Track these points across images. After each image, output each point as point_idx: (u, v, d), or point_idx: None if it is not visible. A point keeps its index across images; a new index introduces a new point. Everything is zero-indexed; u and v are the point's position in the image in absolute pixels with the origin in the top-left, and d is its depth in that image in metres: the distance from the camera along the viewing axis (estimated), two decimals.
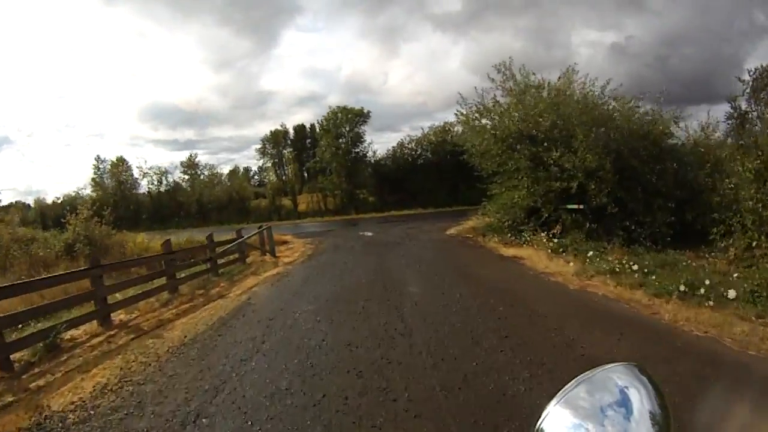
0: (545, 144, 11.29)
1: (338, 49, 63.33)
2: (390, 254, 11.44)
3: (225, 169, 48.43)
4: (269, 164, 42.42)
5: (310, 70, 62.74)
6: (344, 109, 31.85)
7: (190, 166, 36.98)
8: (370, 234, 17.14)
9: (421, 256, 10.68)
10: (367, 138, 32.33)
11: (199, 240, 16.39)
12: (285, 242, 16.73)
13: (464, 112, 13.80)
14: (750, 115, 15.52)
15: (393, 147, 32.28)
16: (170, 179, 36.25)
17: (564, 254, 9.66)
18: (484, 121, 13.45)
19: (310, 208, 36.28)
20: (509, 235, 12.19)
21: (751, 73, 19.37)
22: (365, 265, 9.82)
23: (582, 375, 0.63)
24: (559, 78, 12.54)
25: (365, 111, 31.90)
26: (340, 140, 31.91)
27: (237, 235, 12.17)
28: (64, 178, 60.84)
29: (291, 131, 42.06)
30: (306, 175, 41.18)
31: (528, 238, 11.34)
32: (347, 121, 32.21)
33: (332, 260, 11.24)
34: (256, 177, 45.39)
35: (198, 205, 35.02)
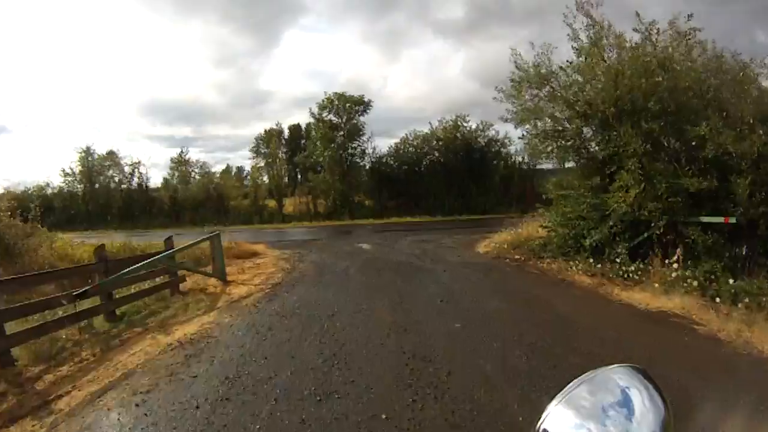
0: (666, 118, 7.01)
1: (339, 52, 60.92)
2: (411, 291, 7.04)
3: (220, 168, 45.07)
4: (262, 164, 38.33)
5: (310, 72, 61.18)
6: (341, 96, 27.43)
7: (181, 162, 32.81)
8: (369, 248, 12.69)
9: (477, 302, 6.23)
10: (367, 131, 27.85)
11: (138, 246, 11.89)
12: (254, 254, 12.28)
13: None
14: None
15: (396, 143, 27.88)
16: (144, 172, 31.52)
17: (720, 302, 5.38)
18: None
19: (298, 210, 31.85)
20: (590, 260, 7.83)
21: None
22: (372, 321, 5.41)
23: (583, 375, 0.62)
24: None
25: (366, 100, 27.54)
26: (336, 132, 27.47)
27: (166, 246, 7.64)
28: (55, 169, 56.90)
29: (286, 131, 38.21)
30: (299, 176, 37.09)
31: (632, 269, 6.99)
32: (345, 111, 27.78)
33: (310, 300, 6.71)
34: (248, 177, 42.79)
35: (171, 202, 31.01)
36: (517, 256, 9.94)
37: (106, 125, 51.39)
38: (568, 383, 0.62)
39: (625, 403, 0.60)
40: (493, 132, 25.82)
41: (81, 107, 54.87)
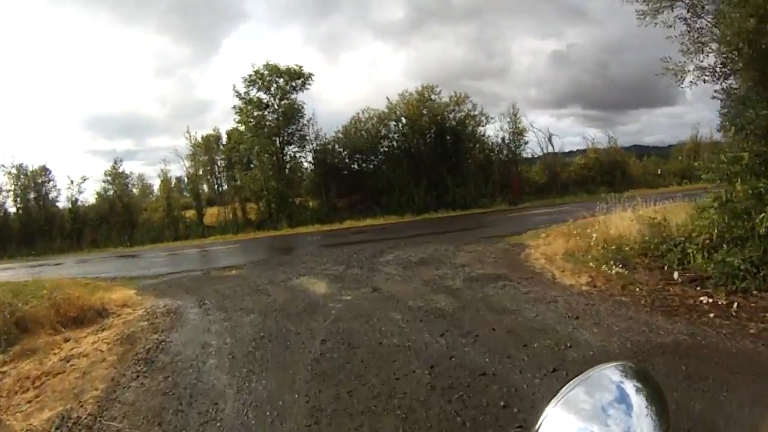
0: None
1: (280, 57, 57.18)
2: None
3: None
4: (200, 172, 30.87)
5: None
6: (274, 68, 20.88)
7: (116, 175, 26.46)
8: (327, 290, 6.55)
9: None
10: (308, 111, 21.60)
11: None
12: (100, 314, 5.98)
13: None
14: None
15: (344, 125, 21.83)
16: (43, 183, 25.21)
17: None
18: None
19: (223, 219, 25.10)
20: None
21: None
22: None
23: (578, 377, 0.62)
24: None
25: (306, 72, 21.25)
26: (267, 112, 20.98)
27: None
28: None
29: (224, 136, 31.38)
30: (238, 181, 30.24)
31: None
32: (279, 89, 21.33)
33: None
34: (186, 188, 37.36)
35: (72, 219, 24.86)
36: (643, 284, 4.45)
37: (44, 140, 46.61)
38: (564, 385, 0.60)
39: (624, 399, 0.59)
40: (469, 106, 20.70)
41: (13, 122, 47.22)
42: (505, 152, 21.64)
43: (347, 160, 21.12)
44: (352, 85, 53.02)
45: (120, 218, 25.09)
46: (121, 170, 26.94)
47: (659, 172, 25.25)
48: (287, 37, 58.18)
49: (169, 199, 26.67)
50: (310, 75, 21.41)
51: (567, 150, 25.66)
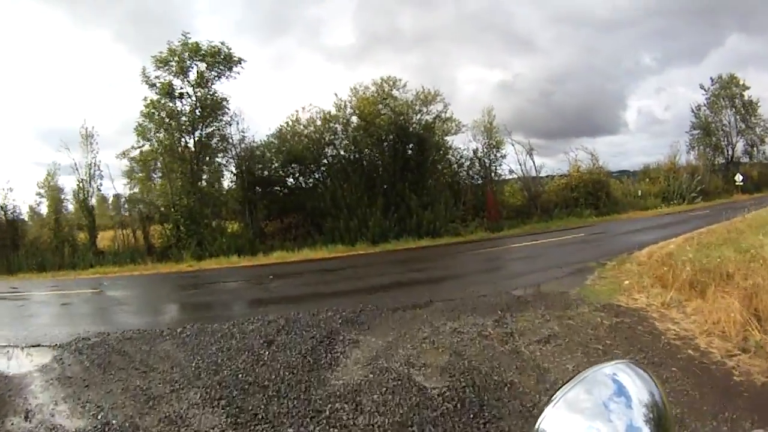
0: None
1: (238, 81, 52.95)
2: None
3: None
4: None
5: None
6: (193, 48, 15.77)
7: (52, 188, 20.36)
8: None
9: None
10: (232, 105, 16.66)
11: None
12: None
13: None
14: None
15: (280, 126, 16.90)
16: None
17: None
18: None
19: (121, 243, 19.40)
20: None
21: None
22: None
23: (575, 377, 0.61)
24: None
25: (236, 57, 16.33)
26: (179, 103, 15.88)
27: None
28: None
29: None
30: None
31: None
32: (198, 76, 16.27)
33: None
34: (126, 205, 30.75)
35: None
36: None
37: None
38: (564, 385, 0.60)
39: (622, 393, 0.59)
40: (440, 106, 16.48)
41: None
42: (477, 167, 17.78)
43: (281, 172, 16.23)
44: (300, 107, 51.31)
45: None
46: (53, 183, 20.58)
47: (639, 193, 23.06)
48: (237, 54, 56.06)
49: (57, 214, 20.60)
50: (240, 60, 16.48)
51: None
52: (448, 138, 17.05)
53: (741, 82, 27.00)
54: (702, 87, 28.02)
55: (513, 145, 18.28)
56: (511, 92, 46.13)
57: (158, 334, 5.48)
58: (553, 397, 0.59)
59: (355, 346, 4.49)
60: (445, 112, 16.30)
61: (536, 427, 0.58)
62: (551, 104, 44.64)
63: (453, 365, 3.82)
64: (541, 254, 10.20)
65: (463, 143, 17.80)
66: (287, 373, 3.90)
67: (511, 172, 18.48)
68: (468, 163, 17.78)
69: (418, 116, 15.80)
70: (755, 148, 27.97)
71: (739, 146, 27.65)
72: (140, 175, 18.59)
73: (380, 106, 15.35)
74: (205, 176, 17.56)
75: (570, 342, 4.06)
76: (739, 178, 24.32)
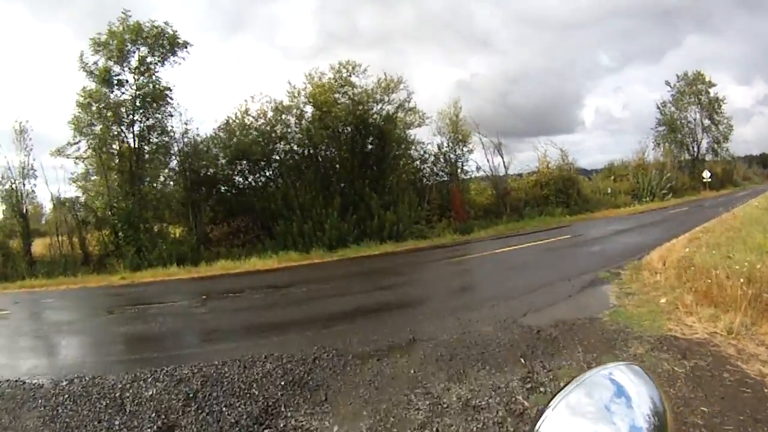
0: None
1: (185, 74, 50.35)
2: None
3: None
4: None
5: None
6: (136, 29, 14.13)
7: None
8: None
9: None
10: (176, 96, 15.13)
11: None
12: None
13: None
14: None
15: (227, 117, 15.40)
16: None
17: None
18: None
19: (54, 251, 17.40)
20: None
21: None
22: None
23: (575, 380, 0.60)
24: None
25: (181, 40, 14.79)
26: (118, 92, 14.29)
27: None
28: None
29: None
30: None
31: None
32: (139, 63, 14.67)
33: None
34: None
35: None
36: None
37: None
38: (564, 387, 0.58)
39: (623, 394, 0.58)
40: (403, 94, 15.24)
41: None
42: (443, 163, 16.75)
43: (228, 170, 14.75)
44: (258, 105, 50.27)
45: None
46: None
47: (609, 190, 22.69)
48: (197, 51, 53.95)
49: None
50: (186, 44, 14.92)
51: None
52: (411, 131, 15.98)
53: (707, 80, 27.22)
54: (667, 83, 28.17)
55: (481, 139, 17.36)
56: (469, 91, 44.83)
57: (34, 388, 4.00)
58: (553, 400, 0.57)
59: None
60: (409, 101, 15.15)
61: (536, 428, 0.56)
62: (509, 104, 43.51)
63: None
64: (532, 262, 8.98)
65: (427, 137, 16.80)
66: None
67: (478, 168, 17.58)
68: (432, 158, 16.76)
69: (379, 106, 14.59)
70: (719, 145, 28.23)
71: (704, 143, 27.85)
72: (76, 174, 16.78)
73: (338, 94, 14.07)
74: (146, 176, 15.92)
75: None
76: (706, 174, 24.31)
